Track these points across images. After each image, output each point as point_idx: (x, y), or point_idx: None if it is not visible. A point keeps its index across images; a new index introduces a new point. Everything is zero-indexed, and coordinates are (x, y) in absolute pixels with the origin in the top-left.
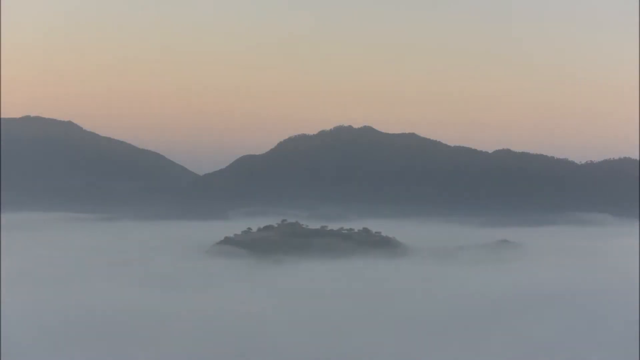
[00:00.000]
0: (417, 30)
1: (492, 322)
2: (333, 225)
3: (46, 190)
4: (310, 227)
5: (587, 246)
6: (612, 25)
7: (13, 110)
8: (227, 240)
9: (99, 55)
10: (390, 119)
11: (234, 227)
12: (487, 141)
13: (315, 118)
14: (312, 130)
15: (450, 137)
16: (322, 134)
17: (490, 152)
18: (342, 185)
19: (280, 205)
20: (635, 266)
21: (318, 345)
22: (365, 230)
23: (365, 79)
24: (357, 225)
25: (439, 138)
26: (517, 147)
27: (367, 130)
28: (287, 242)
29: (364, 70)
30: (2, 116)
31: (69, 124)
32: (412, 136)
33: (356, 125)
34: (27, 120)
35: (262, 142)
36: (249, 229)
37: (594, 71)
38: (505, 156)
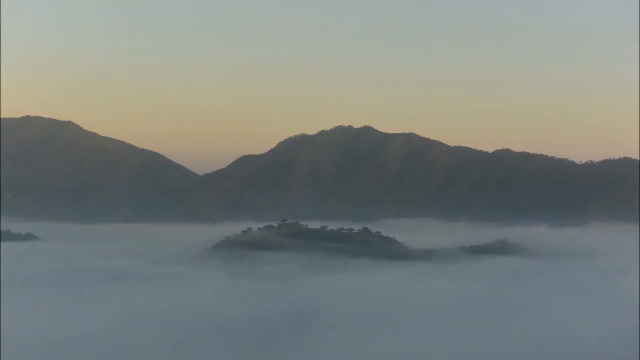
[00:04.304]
0: (418, 29)
1: (492, 321)
2: (333, 225)
3: (46, 191)
4: (310, 227)
5: (587, 246)
6: (612, 26)
7: (13, 110)
8: (227, 240)
9: (100, 56)
10: (390, 119)
11: (234, 226)
12: (487, 141)
13: (315, 118)
14: (312, 130)
15: (450, 137)
16: (322, 134)
17: (490, 152)
18: (342, 185)
19: (280, 205)
20: (635, 267)
21: None
22: (366, 230)
23: (365, 79)
24: (357, 225)
25: (439, 138)
26: (517, 147)
27: (367, 130)
28: (287, 242)
29: (364, 70)
30: (2, 116)
31: (69, 124)
32: (412, 136)
33: (356, 125)
34: (27, 120)
35: (262, 142)
36: (249, 228)
37: (594, 71)
38: (505, 156)
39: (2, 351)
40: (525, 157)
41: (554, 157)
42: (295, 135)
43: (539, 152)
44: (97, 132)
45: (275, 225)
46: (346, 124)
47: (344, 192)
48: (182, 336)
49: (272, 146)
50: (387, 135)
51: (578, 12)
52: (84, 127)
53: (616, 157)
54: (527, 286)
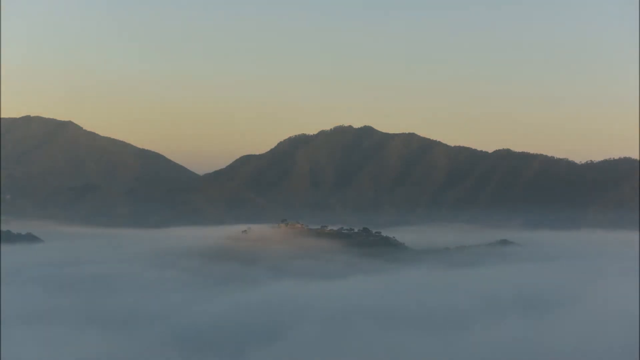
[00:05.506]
0: (419, 30)
1: (491, 322)
2: (333, 225)
3: (46, 191)
4: (310, 227)
5: (587, 246)
6: (612, 25)
7: (13, 110)
8: (227, 240)
9: (100, 56)
10: (390, 119)
11: (234, 226)
12: (487, 141)
13: (315, 118)
14: (312, 130)
15: (450, 137)
16: (322, 134)
17: (490, 152)
18: (342, 185)
19: (280, 205)
20: (635, 267)
21: None
22: (366, 230)
23: (365, 78)
24: (357, 225)
25: (439, 138)
26: (517, 147)
27: (367, 130)
28: (288, 242)
29: (364, 70)
30: (2, 116)
31: (69, 124)
32: (412, 136)
33: (356, 125)
34: (27, 120)
35: (262, 142)
36: (249, 228)
37: (594, 71)
38: (505, 156)
39: (2, 353)
40: (525, 157)
41: (554, 157)
42: (295, 135)
43: (539, 152)
44: (97, 132)
45: (276, 225)
46: (346, 124)
47: (344, 192)
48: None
49: (272, 146)
50: (387, 135)
51: (578, 11)
52: (84, 127)
53: (616, 157)
54: (526, 286)
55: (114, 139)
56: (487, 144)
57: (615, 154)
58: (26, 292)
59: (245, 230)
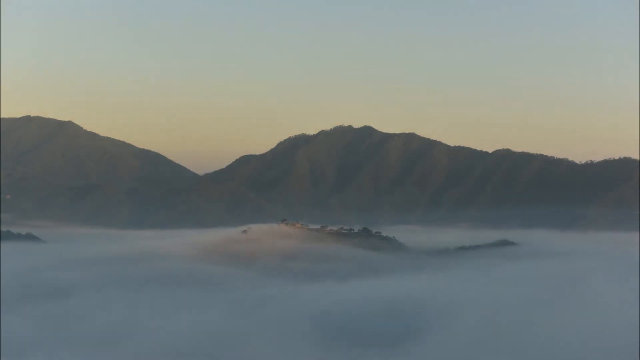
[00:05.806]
0: (419, 31)
1: (489, 322)
2: (333, 225)
3: (46, 191)
4: (310, 226)
5: (587, 246)
6: (612, 25)
7: (13, 110)
8: (227, 240)
9: (100, 55)
10: (390, 119)
11: (234, 226)
12: (487, 141)
13: (315, 118)
14: (312, 130)
15: (450, 137)
16: (322, 134)
17: (490, 152)
18: (342, 185)
19: (280, 205)
20: (635, 266)
21: None
22: (365, 230)
23: (365, 78)
24: (357, 225)
25: (439, 138)
26: (517, 147)
27: (367, 130)
28: (288, 242)
29: (364, 70)
30: (2, 116)
31: (69, 124)
32: (412, 136)
33: (356, 125)
34: (27, 120)
35: (262, 142)
36: (249, 228)
37: (594, 71)
38: (505, 156)
39: (2, 353)
40: (525, 157)
41: (554, 157)
42: (295, 135)
43: (539, 152)
44: (97, 132)
45: (276, 225)
46: (346, 124)
47: (344, 192)
48: None
49: (272, 146)
50: (387, 135)
51: (578, 11)
52: (84, 127)
53: (616, 157)
54: (526, 286)
55: (114, 139)
56: (487, 144)
57: (615, 154)
58: (28, 292)
59: (245, 230)
